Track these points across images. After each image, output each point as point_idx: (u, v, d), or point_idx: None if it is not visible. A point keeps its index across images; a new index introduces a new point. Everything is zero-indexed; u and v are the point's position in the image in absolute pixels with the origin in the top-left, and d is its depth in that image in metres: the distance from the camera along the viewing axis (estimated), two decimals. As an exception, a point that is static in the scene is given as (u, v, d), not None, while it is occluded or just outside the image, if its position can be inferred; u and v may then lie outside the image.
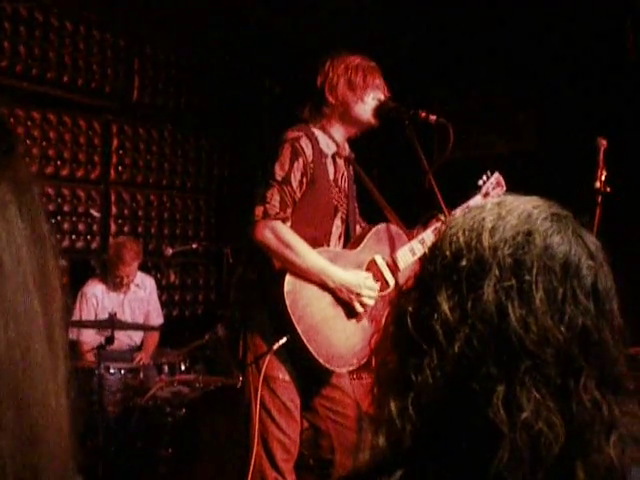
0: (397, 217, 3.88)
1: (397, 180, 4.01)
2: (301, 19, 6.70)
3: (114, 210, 6.84)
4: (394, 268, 3.78)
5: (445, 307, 1.08)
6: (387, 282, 3.77)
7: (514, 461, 1.01)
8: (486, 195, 4.00)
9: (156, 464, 4.82)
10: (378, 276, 3.74)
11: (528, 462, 1.02)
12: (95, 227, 6.62)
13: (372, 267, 3.74)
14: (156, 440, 4.89)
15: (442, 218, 3.71)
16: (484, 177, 4.07)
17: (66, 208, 6.44)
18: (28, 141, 6.17)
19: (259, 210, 3.51)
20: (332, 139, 3.77)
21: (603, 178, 4.16)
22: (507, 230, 1.11)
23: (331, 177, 3.74)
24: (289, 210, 3.54)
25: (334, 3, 6.42)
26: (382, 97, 3.74)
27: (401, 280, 3.84)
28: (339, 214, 3.78)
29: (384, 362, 1.17)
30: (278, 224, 3.50)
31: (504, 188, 4.06)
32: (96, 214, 6.55)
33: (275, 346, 3.47)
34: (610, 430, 1.07)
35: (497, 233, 1.11)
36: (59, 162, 6.39)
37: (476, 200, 3.95)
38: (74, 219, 6.50)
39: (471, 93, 6.60)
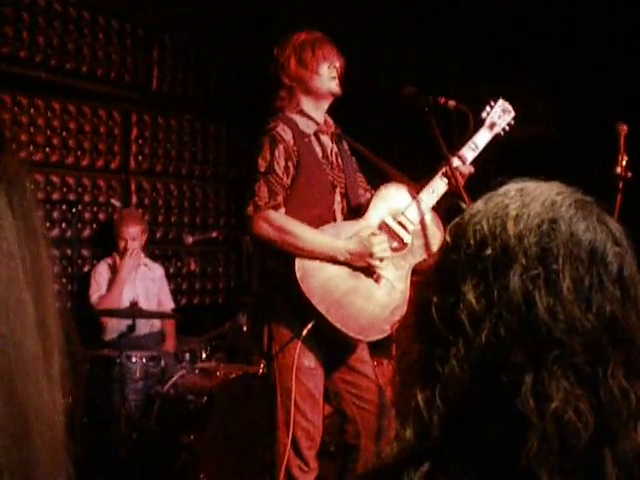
0: (401, 174, 3.85)
1: (416, 166, 3.98)
2: (320, 11, 6.68)
3: (134, 199, 6.86)
4: (408, 225, 3.74)
5: (471, 297, 1.07)
6: (403, 241, 3.74)
7: (544, 451, 1.01)
8: (492, 126, 3.89)
9: (178, 451, 4.84)
10: (393, 237, 3.72)
11: (557, 451, 1.01)
12: (116, 216, 6.63)
13: (384, 229, 3.72)
14: (178, 427, 4.91)
15: (447, 162, 3.65)
16: (487, 107, 3.94)
17: (87, 198, 6.46)
18: (48, 131, 6.20)
19: (250, 206, 3.57)
20: (310, 118, 3.79)
21: (624, 163, 4.14)
22: (532, 218, 1.10)
23: (319, 155, 3.76)
24: (279, 197, 3.56)
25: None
26: (336, 64, 3.75)
27: (419, 235, 3.79)
28: (337, 189, 3.79)
29: (406, 352, 1.17)
30: (270, 212, 3.52)
31: (512, 113, 3.93)
32: (117, 204, 6.58)
33: (304, 332, 3.49)
34: (638, 417, 1.06)
35: (522, 221, 1.10)
36: (79, 152, 6.41)
37: (482, 134, 3.86)
38: (95, 209, 6.53)
39: (488, 78, 6.57)
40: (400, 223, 3.74)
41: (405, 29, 6.30)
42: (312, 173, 3.69)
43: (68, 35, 6.20)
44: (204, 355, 5.54)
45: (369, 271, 3.60)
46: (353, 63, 3.91)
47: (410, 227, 3.74)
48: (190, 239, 6.57)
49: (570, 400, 1.01)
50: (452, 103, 3.61)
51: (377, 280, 3.63)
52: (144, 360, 5.30)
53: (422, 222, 3.78)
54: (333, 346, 3.65)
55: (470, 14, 6.27)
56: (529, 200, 1.13)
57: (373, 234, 3.65)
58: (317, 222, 3.60)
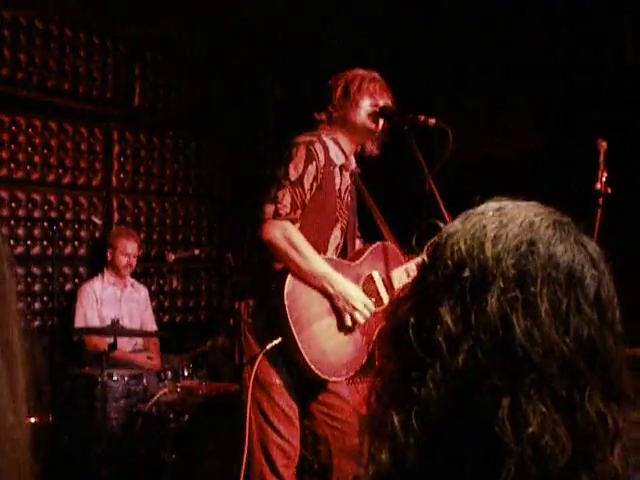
0: (393, 236, 3.89)
1: (397, 185, 4.00)
2: (302, 21, 6.69)
3: (116, 217, 6.83)
4: (389, 286, 3.79)
5: (448, 319, 1.06)
6: (382, 299, 3.78)
7: (521, 475, 1.00)
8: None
9: (160, 470, 4.82)
10: (373, 292, 3.75)
11: (534, 476, 1.00)
12: (97, 234, 6.61)
13: (369, 282, 3.76)
14: (160, 446, 4.89)
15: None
16: None
17: (68, 215, 6.43)
18: (29, 149, 6.17)
19: (269, 209, 3.53)
20: (341, 150, 3.79)
21: (604, 179, 4.17)
22: (510, 239, 1.09)
23: (337, 187, 3.76)
24: (299, 212, 3.56)
25: (336, 5, 6.42)
26: (380, 103, 3.76)
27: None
28: (339, 225, 3.81)
29: (381, 371, 1.16)
30: (289, 225, 3.51)
31: None
32: (98, 221, 6.55)
33: (268, 346, 3.48)
34: (614, 441, 1.06)
35: (500, 242, 1.09)
36: (60, 170, 6.39)
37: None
38: (76, 226, 6.50)
39: (472, 95, 6.60)
40: (384, 282, 3.77)
41: (387, 44, 6.33)
42: (325, 202, 3.70)
43: (49, 52, 6.18)
44: (186, 373, 5.52)
45: (349, 318, 3.61)
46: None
47: (390, 289, 3.79)
48: (172, 257, 6.55)
49: (547, 425, 1.01)
50: (432, 121, 3.61)
51: (351, 328, 3.64)
52: (126, 378, 5.28)
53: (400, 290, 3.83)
54: (299, 365, 3.64)
55: (454, 29, 6.31)
56: (507, 221, 1.12)
57: (364, 284, 3.70)
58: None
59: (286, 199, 3.54)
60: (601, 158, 4.20)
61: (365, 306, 3.61)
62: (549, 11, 5.89)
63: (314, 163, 3.62)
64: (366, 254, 3.83)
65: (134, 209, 7.00)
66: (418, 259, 3.81)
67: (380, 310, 3.77)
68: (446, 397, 1.05)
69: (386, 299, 3.78)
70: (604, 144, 4.20)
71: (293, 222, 3.55)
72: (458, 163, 3.63)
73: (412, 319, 1.11)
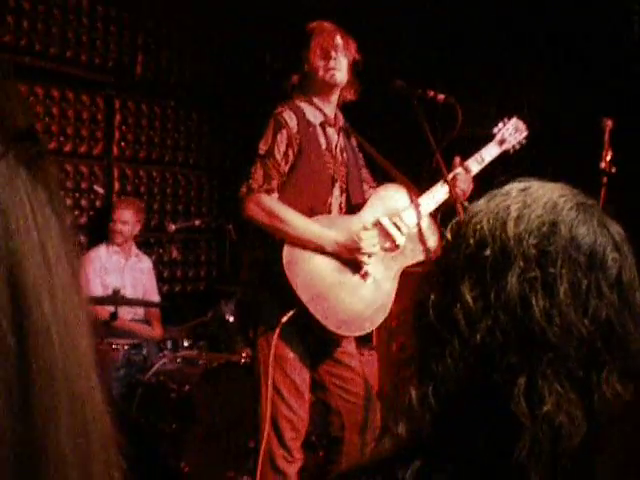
0: (403, 176, 3.85)
1: (403, 159, 4.00)
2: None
3: (117, 186, 6.83)
4: (402, 226, 3.74)
5: (468, 297, 1.07)
6: (395, 242, 3.74)
7: (535, 453, 1.02)
8: (502, 142, 3.92)
9: (160, 440, 4.83)
10: (386, 237, 3.71)
11: (548, 454, 1.02)
12: (98, 203, 6.61)
13: (379, 227, 3.72)
14: (160, 416, 4.90)
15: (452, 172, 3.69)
16: (500, 123, 3.99)
17: (69, 184, 6.42)
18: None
19: (243, 187, 3.58)
20: (318, 109, 3.78)
21: (608, 159, 4.17)
22: (532, 220, 1.10)
23: (323, 146, 3.74)
24: (274, 182, 3.56)
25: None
26: (332, 55, 3.73)
27: (415, 238, 3.81)
28: (337, 184, 3.78)
29: (404, 347, 1.18)
30: (263, 197, 3.52)
31: (524, 132, 3.98)
32: (100, 190, 6.55)
33: (283, 319, 3.48)
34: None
35: (522, 223, 1.10)
36: (62, 138, 6.37)
37: (490, 148, 3.89)
38: (77, 195, 6.50)
39: (473, 72, 6.58)
40: (395, 224, 3.74)
41: (390, 18, 6.30)
42: (312, 163, 3.68)
43: (52, 20, 6.14)
44: (186, 343, 5.53)
45: (357, 267, 3.60)
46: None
47: (404, 229, 3.74)
48: (172, 227, 6.56)
49: (562, 404, 1.02)
50: (441, 97, 3.62)
51: (363, 277, 3.63)
52: (126, 347, 5.29)
53: (418, 226, 3.79)
54: (319, 338, 3.65)
55: (457, 10, 6.27)
56: (531, 201, 1.12)
57: (364, 229, 3.65)
58: (309, 213, 3.60)
59: (258, 173, 3.58)
60: (606, 137, 4.19)
61: (367, 238, 3.58)
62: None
63: (283, 131, 3.63)
64: (370, 201, 3.80)
65: (135, 178, 6.99)
66: (432, 189, 3.78)
67: (399, 253, 3.75)
68: (463, 374, 1.07)
69: (400, 240, 3.73)
70: (609, 122, 4.20)
71: (268, 192, 3.55)
72: (457, 140, 3.62)
73: (433, 296, 1.12)
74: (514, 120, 4.02)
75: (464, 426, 1.08)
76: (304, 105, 3.76)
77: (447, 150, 3.61)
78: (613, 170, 4.17)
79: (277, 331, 3.51)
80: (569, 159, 5.26)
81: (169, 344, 5.51)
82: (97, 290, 5.78)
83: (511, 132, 3.97)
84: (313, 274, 3.54)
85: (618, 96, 5.29)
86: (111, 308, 5.25)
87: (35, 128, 0.71)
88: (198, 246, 7.58)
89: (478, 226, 1.13)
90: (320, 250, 3.55)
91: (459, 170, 3.75)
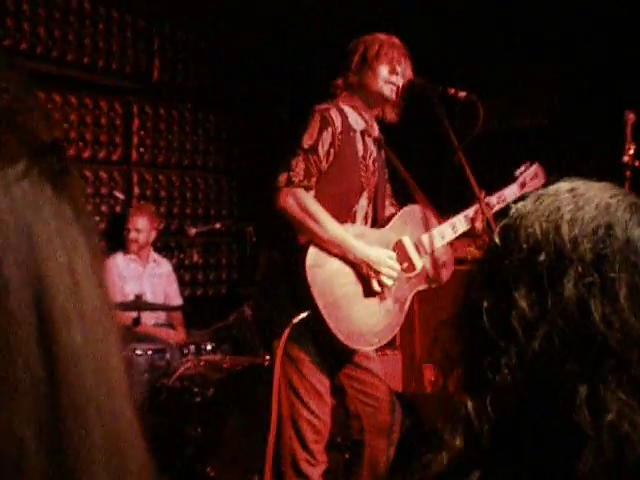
0: (426, 199, 3.86)
1: (425, 157, 3.98)
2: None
3: (136, 191, 6.83)
4: (422, 250, 3.75)
5: (523, 303, 1.04)
6: (414, 264, 3.73)
7: (599, 464, 0.97)
8: (523, 186, 3.99)
9: (185, 444, 4.83)
10: (404, 258, 3.70)
11: (613, 464, 0.98)
12: (118, 208, 6.61)
13: (399, 248, 3.71)
14: (184, 420, 4.89)
15: (476, 205, 3.71)
16: (522, 167, 4.06)
17: (89, 190, 6.43)
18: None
19: (282, 177, 3.49)
20: (361, 116, 3.75)
21: (631, 152, 4.13)
22: (586, 222, 1.06)
23: (359, 154, 3.72)
24: (313, 179, 3.52)
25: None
26: (398, 69, 3.71)
27: (428, 264, 3.82)
28: (365, 193, 3.75)
29: (448, 354, 1.14)
30: (301, 192, 3.47)
31: (542, 180, 4.03)
32: (121, 196, 6.55)
33: (295, 320, 3.45)
34: None
35: (576, 225, 1.06)
36: (81, 144, 6.38)
37: (512, 189, 3.95)
38: (97, 201, 6.50)
39: (491, 67, 6.54)
40: (416, 246, 3.73)
41: (404, 15, 6.27)
42: (346, 168, 3.65)
43: (69, 26, 6.15)
44: (209, 347, 5.52)
45: (376, 283, 3.59)
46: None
47: (423, 253, 3.74)
48: (193, 230, 6.55)
49: (626, 413, 0.98)
50: (462, 94, 3.58)
51: (380, 294, 3.62)
52: (149, 353, 5.29)
53: (435, 252, 3.80)
54: (329, 337, 3.62)
55: (471, 7, 6.24)
56: (582, 203, 1.09)
57: (394, 250, 3.65)
58: (333, 217, 3.57)
59: (299, 167, 3.50)
60: (628, 130, 4.15)
61: (389, 267, 3.57)
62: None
63: (329, 129, 3.58)
64: (395, 219, 3.79)
65: (154, 183, 6.99)
66: (454, 219, 3.80)
67: (414, 276, 3.74)
68: (521, 383, 1.03)
69: (419, 264, 3.74)
70: (632, 116, 4.16)
71: (307, 189, 3.51)
72: (481, 137, 3.60)
73: (485, 303, 1.08)
74: (535, 166, 4.08)
75: (524, 437, 1.05)
76: (347, 109, 3.72)
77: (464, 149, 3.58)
78: (637, 163, 4.13)
79: (287, 331, 3.48)
80: (592, 153, 5.23)
81: (192, 348, 5.50)
82: (116, 299, 5.77)
83: (532, 177, 4.04)
84: (333, 281, 3.51)
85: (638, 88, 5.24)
86: (133, 314, 5.25)
87: (59, 142, 0.68)
88: (219, 249, 7.58)
89: (530, 230, 1.09)
90: (344, 258, 3.52)
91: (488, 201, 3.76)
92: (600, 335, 1.00)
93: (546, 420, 1.03)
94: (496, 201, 3.90)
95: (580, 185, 1.13)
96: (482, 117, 3.44)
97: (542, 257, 1.05)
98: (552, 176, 1.21)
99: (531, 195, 1.16)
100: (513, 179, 4.03)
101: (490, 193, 3.83)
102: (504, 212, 1.18)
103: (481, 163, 3.80)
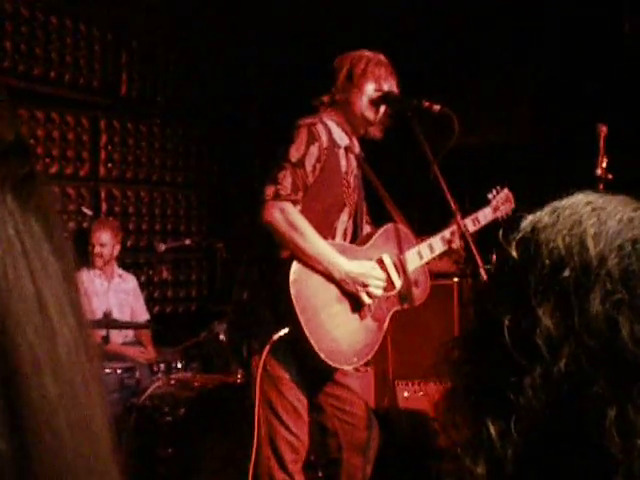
0: (404, 219, 3.84)
1: (399, 171, 3.96)
2: (288, 7, 6.60)
3: (104, 207, 6.75)
4: (401, 270, 3.71)
5: (548, 321, 0.98)
6: (393, 283, 3.69)
7: None
8: (495, 209, 4.08)
9: (156, 464, 4.74)
10: (385, 276, 3.67)
11: None
12: (86, 225, 6.52)
13: (379, 265, 3.67)
14: (155, 440, 4.81)
15: (452, 227, 3.71)
16: (494, 191, 4.15)
17: (59, 210, 6.34)
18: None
19: (270, 190, 3.43)
20: (345, 132, 3.71)
21: (604, 165, 4.13)
22: (611, 237, 1.01)
23: (343, 170, 3.68)
24: (300, 193, 3.47)
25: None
26: (385, 87, 3.68)
27: (405, 283, 3.78)
28: (346, 209, 3.71)
29: (462, 375, 1.08)
30: (289, 206, 3.42)
31: (513, 205, 4.15)
32: (89, 212, 6.45)
33: (275, 337, 3.39)
34: None
35: (601, 240, 1.01)
36: (47, 160, 6.29)
37: (485, 213, 4.03)
38: (65, 217, 6.40)
39: (466, 82, 6.55)
40: (395, 266, 3.70)
41: (383, 30, 6.26)
42: (329, 184, 3.60)
43: (36, 40, 6.07)
44: (179, 365, 5.44)
45: (356, 301, 3.54)
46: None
47: (402, 272, 3.71)
48: (162, 247, 6.47)
49: None
50: (436, 107, 3.54)
51: (360, 313, 3.58)
52: (118, 371, 5.19)
53: (413, 272, 3.78)
54: (309, 354, 3.57)
55: (449, 18, 6.25)
56: (605, 217, 1.04)
57: (377, 267, 3.61)
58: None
59: (287, 180, 3.45)
60: (601, 143, 4.15)
61: (376, 278, 3.53)
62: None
63: (316, 144, 3.54)
64: (375, 237, 3.75)
65: (122, 199, 6.92)
66: (431, 240, 3.78)
67: (392, 294, 3.70)
68: (547, 405, 0.98)
69: (398, 283, 3.70)
70: (604, 129, 4.16)
71: (294, 203, 3.45)
72: (455, 151, 3.57)
73: (507, 320, 1.03)
74: (506, 191, 4.19)
75: (551, 461, 0.99)
76: (332, 124, 3.68)
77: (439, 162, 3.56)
78: (609, 177, 4.13)
79: (267, 348, 3.41)
80: (565, 166, 5.22)
81: (162, 366, 5.41)
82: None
83: (503, 201, 4.15)
84: (316, 298, 3.45)
85: (612, 102, 5.26)
86: (102, 332, 5.15)
87: (24, 140, 0.56)
88: (188, 266, 7.50)
89: (552, 244, 1.04)
90: (327, 275, 3.47)
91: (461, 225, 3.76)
92: (629, 354, 0.94)
93: (573, 444, 0.97)
94: (471, 223, 3.93)
95: (597, 198, 1.08)
96: (457, 130, 3.41)
97: (567, 273, 1.00)
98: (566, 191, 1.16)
99: (546, 208, 1.11)
100: (486, 202, 4.09)
101: (463, 216, 3.82)
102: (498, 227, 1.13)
103: (457, 178, 3.78)
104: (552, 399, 0.97)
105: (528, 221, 1.10)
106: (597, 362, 0.95)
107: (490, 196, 4.10)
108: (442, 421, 1.13)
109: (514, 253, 1.07)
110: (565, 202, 1.09)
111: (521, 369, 0.99)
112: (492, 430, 1.00)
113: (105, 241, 5.92)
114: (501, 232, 1.12)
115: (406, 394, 5.97)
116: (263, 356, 3.42)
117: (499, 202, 4.09)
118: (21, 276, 0.50)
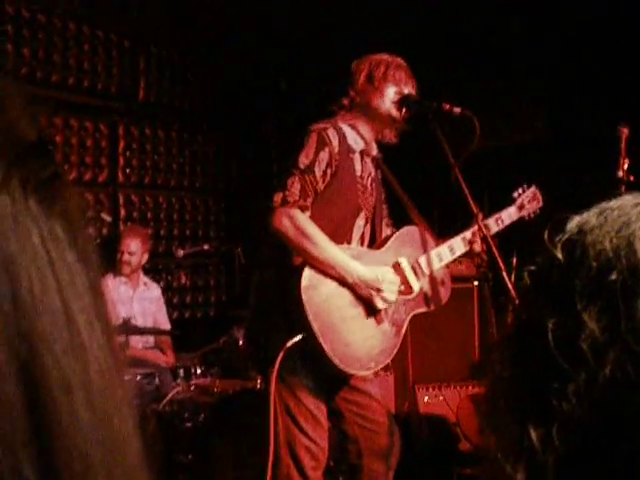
0: (423, 220, 3.80)
1: (420, 173, 3.93)
2: (305, 16, 6.59)
3: (123, 213, 6.75)
4: (419, 272, 3.67)
5: (593, 325, 0.95)
6: (411, 286, 3.65)
7: None
8: (521, 208, 4.00)
9: (176, 471, 4.73)
10: (402, 279, 3.62)
11: None
12: (105, 231, 6.52)
13: (396, 270, 3.62)
14: (175, 446, 4.80)
15: (474, 227, 3.66)
16: (520, 189, 4.07)
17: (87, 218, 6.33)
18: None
19: (278, 197, 3.41)
20: (360, 136, 3.68)
21: (626, 167, 4.08)
22: None
23: (357, 174, 3.65)
24: (309, 199, 3.44)
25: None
26: (405, 91, 3.66)
27: (426, 286, 3.75)
28: (362, 213, 3.67)
29: (499, 377, 1.06)
30: (297, 212, 3.39)
31: (540, 203, 4.06)
32: (108, 218, 6.45)
33: (288, 344, 3.36)
34: None
35: None
36: (66, 166, 6.29)
37: (509, 212, 3.96)
38: (83, 223, 6.40)
39: (481, 83, 6.52)
40: (413, 268, 3.66)
41: (389, 35, 6.24)
42: (343, 189, 3.57)
43: (54, 47, 6.08)
44: (199, 371, 5.42)
45: (372, 306, 3.51)
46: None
47: (421, 275, 3.67)
48: (181, 252, 6.47)
49: None
50: (457, 110, 3.51)
51: (376, 317, 3.54)
52: (138, 377, 5.19)
53: (433, 275, 3.74)
54: (323, 360, 3.53)
55: (460, 20, 6.21)
56: None
57: (391, 271, 3.57)
58: (330, 238, 3.49)
59: (295, 186, 3.42)
60: (622, 145, 4.11)
61: (389, 282, 3.50)
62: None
63: (326, 149, 3.51)
64: (391, 240, 3.71)
65: (141, 204, 6.92)
66: (452, 241, 3.74)
67: (411, 298, 3.67)
68: (590, 412, 0.95)
69: (416, 286, 3.65)
70: (625, 130, 4.11)
71: (302, 209, 3.42)
72: (472, 154, 3.54)
73: (550, 324, 1.00)
74: (533, 188, 4.10)
75: (593, 470, 0.96)
76: (347, 128, 3.65)
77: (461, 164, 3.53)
78: (631, 178, 4.09)
79: (280, 355, 3.38)
80: (586, 168, 5.18)
81: (182, 372, 5.39)
82: None
83: (530, 199, 4.07)
84: (329, 303, 3.42)
85: (634, 103, 5.21)
86: (122, 338, 5.15)
87: (46, 140, 0.52)
88: (207, 271, 7.50)
89: (599, 246, 1.00)
90: (340, 280, 3.44)
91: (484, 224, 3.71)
92: None
93: (617, 453, 0.94)
94: (494, 223, 3.87)
95: None
96: (478, 133, 3.38)
97: (614, 276, 0.97)
98: (615, 190, 1.12)
99: (593, 209, 1.08)
100: (511, 201, 4.02)
101: (485, 216, 3.78)
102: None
103: (475, 180, 3.74)
104: (596, 406, 0.94)
105: (574, 222, 1.07)
106: None
107: (515, 194, 4.04)
108: (479, 425, 1.10)
109: (560, 255, 1.04)
110: (613, 203, 1.05)
111: (565, 375, 0.96)
112: (534, 436, 0.97)
113: (134, 249, 5.92)
114: (547, 233, 1.08)
115: (426, 399, 5.94)
116: (276, 363, 3.39)
117: (525, 200, 4.03)
118: (48, 289, 0.46)
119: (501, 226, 3.89)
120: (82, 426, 0.47)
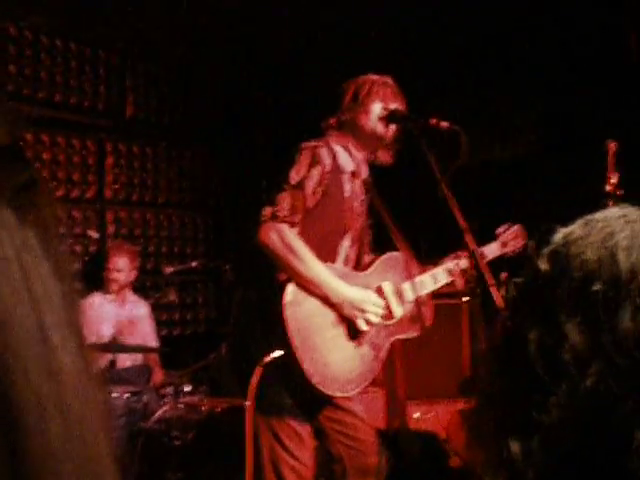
0: (408, 247, 3.78)
1: (407, 190, 3.92)
2: (292, 31, 6.60)
3: (110, 230, 6.72)
4: (402, 299, 3.65)
5: (575, 336, 0.94)
6: (392, 312, 3.63)
7: None
8: (504, 245, 3.96)
9: (165, 489, 4.69)
10: (385, 305, 3.60)
11: None
12: (92, 248, 6.49)
13: (379, 293, 3.61)
14: (164, 464, 4.76)
15: (461, 257, 3.65)
16: (503, 227, 4.03)
17: (61, 230, 6.29)
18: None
19: (267, 211, 3.39)
20: (352, 157, 3.67)
21: (613, 181, 4.09)
22: None
23: (346, 195, 3.63)
24: (299, 216, 3.42)
25: (327, 14, 6.32)
26: (391, 107, 3.65)
27: (408, 312, 3.72)
28: (348, 234, 3.66)
29: (485, 390, 1.04)
30: (285, 227, 3.37)
31: (523, 241, 4.00)
32: (95, 235, 6.43)
33: (266, 359, 3.32)
34: None
35: (633, 253, 0.97)
36: (54, 183, 6.27)
37: (492, 248, 3.92)
38: (71, 241, 6.37)
39: (470, 98, 6.52)
40: (396, 294, 3.64)
41: (380, 49, 6.25)
42: (331, 208, 3.56)
43: (40, 64, 6.07)
44: (187, 389, 5.39)
45: (354, 328, 3.48)
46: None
47: (403, 301, 3.65)
48: (170, 269, 6.44)
49: None
50: (444, 124, 3.50)
51: (356, 339, 3.52)
52: (125, 396, 5.15)
53: (415, 302, 3.72)
54: (300, 379, 3.50)
55: (450, 32, 6.23)
56: (638, 229, 1.00)
57: (376, 293, 3.55)
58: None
59: (285, 202, 3.41)
60: (610, 160, 4.12)
61: (374, 304, 3.48)
62: (549, 7, 5.81)
63: (318, 167, 3.50)
64: (376, 264, 3.70)
65: (129, 221, 6.89)
66: (435, 271, 3.72)
67: (391, 323, 3.64)
68: (572, 425, 0.93)
69: (398, 312, 3.63)
70: (612, 145, 4.12)
71: (291, 225, 3.41)
72: (459, 169, 3.53)
73: (532, 335, 0.98)
74: (517, 227, 4.06)
75: None
76: (338, 148, 3.64)
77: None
78: (619, 193, 4.09)
79: (257, 371, 3.34)
80: (574, 183, 5.19)
81: (170, 390, 5.36)
82: (91, 340, 5.63)
83: (513, 237, 4.02)
84: (311, 321, 3.39)
85: (622, 118, 5.22)
86: (110, 356, 5.12)
87: (22, 144, 0.51)
88: (195, 288, 7.47)
89: (583, 257, 0.99)
90: (324, 299, 3.42)
91: (462, 261, 3.70)
92: None
93: (597, 466, 0.93)
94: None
95: (631, 211, 1.04)
96: (466, 148, 3.36)
97: (596, 287, 0.96)
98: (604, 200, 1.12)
99: (578, 221, 1.07)
100: (495, 237, 3.99)
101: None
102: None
103: (462, 195, 3.73)
104: (577, 418, 0.93)
105: (560, 234, 1.06)
106: (626, 381, 0.91)
107: (498, 231, 4.00)
108: (466, 439, 1.09)
109: (544, 266, 1.03)
110: (598, 215, 1.05)
111: (546, 387, 0.95)
112: (514, 449, 0.96)
113: (122, 267, 5.89)
114: (531, 245, 1.07)
115: (417, 415, 5.91)
116: (254, 379, 3.35)
117: (508, 237, 3.99)
118: (21, 304, 0.44)
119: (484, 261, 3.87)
120: (57, 447, 0.45)
